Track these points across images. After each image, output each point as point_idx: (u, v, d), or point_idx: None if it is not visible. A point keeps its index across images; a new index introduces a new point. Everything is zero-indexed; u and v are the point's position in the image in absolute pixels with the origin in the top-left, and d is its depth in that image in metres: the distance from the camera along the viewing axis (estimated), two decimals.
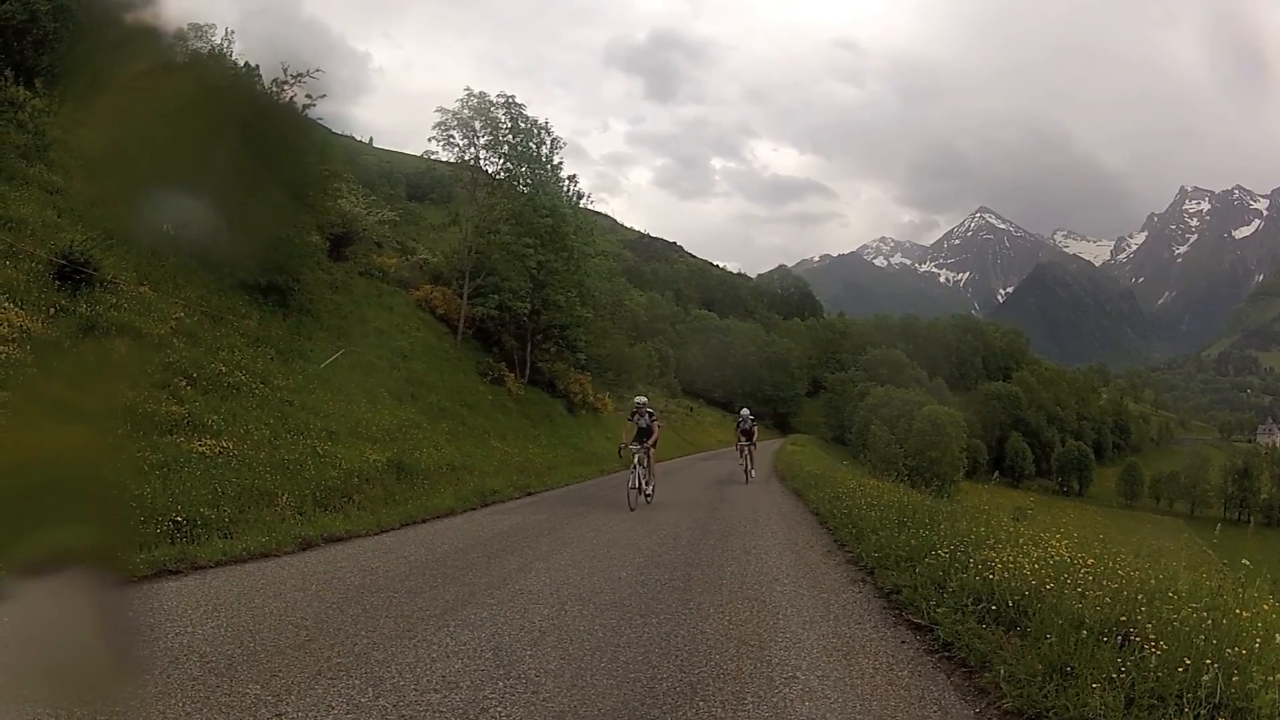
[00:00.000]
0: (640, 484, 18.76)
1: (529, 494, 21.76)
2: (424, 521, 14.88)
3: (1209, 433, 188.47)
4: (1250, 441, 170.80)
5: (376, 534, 13.02)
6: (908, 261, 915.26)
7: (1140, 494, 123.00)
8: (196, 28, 32.06)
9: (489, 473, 22.55)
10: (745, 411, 30.49)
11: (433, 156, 41.88)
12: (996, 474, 57.39)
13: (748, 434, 29.73)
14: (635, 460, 18.96)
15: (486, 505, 18.12)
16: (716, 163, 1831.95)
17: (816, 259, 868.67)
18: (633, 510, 17.61)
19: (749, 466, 29.39)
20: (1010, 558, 8.80)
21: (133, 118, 2.01)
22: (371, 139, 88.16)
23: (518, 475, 23.92)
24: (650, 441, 19.61)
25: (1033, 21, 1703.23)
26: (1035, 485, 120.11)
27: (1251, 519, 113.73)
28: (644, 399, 21.10)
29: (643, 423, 19.99)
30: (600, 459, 36.07)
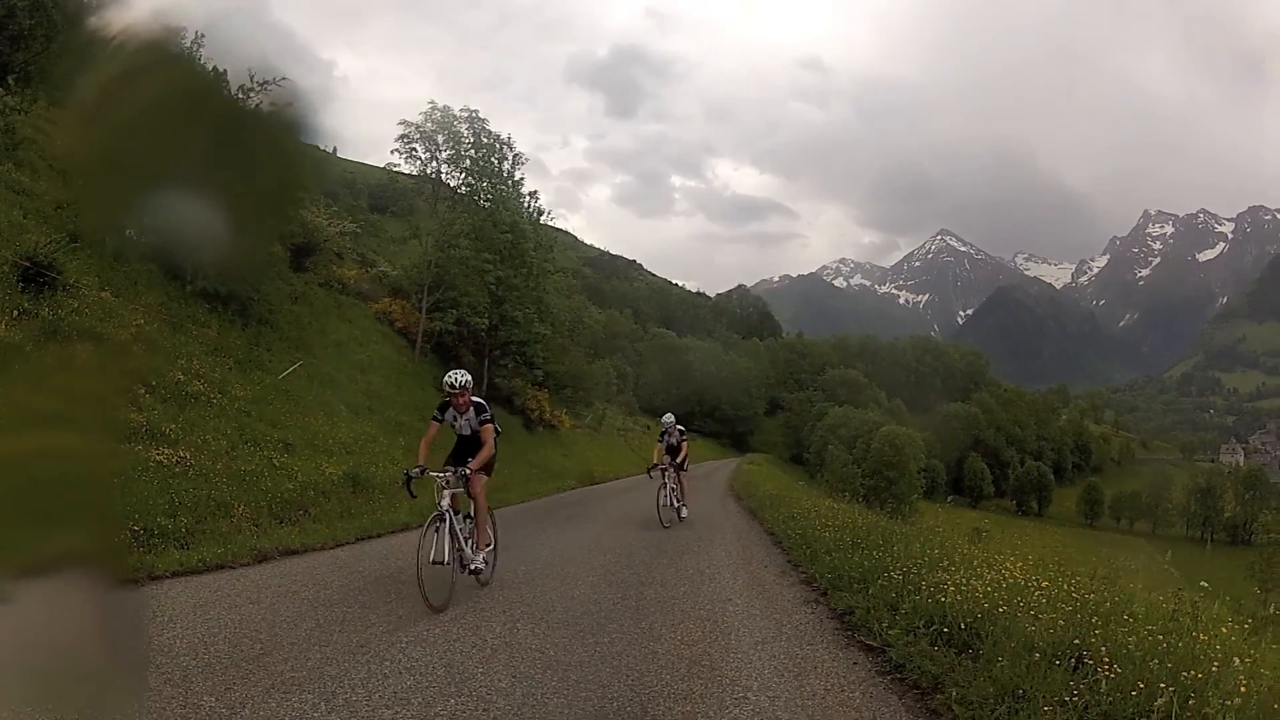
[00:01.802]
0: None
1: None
2: (379, 536, 14.97)
3: (1171, 453, 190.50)
4: (1213, 461, 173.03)
5: (332, 548, 13.13)
6: (867, 283, 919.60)
7: (1101, 514, 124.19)
8: (167, 29, 32.27)
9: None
10: (669, 418, 21.44)
11: (395, 168, 42.32)
12: (952, 497, 58.25)
13: (673, 451, 20.35)
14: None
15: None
16: (677, 180, 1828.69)
17: (776, 279, 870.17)
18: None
19: (674, 500, 19.65)
20: (963, 580, 8.96)
21: (107, 119, 2.04)
22: (335, 148, 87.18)
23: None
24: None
25: (998, 40, 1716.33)
26: (994, 505, 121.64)
27: (1212, 538, 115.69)
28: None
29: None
30: (557, 476, 36.36)
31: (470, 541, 10.92)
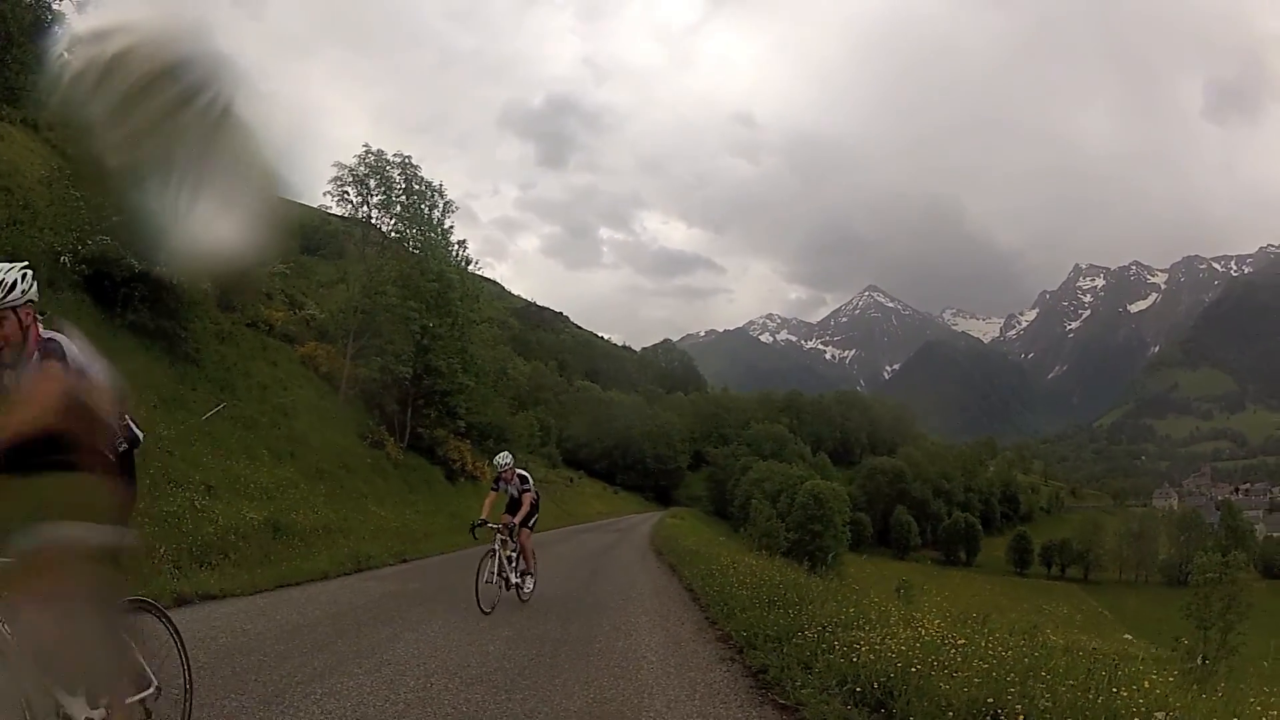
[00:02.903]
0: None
1: (405, 561, 21.79)
2: (298, 584, 14.94)
3: (1102, 500, 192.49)
4: (1146, 506, 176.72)
5: (251, 594, 13.06)
6: (794, 338, 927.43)
7: (1031, 562, 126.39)
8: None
9: (365, 538, 22.57)
10: (505, 459, 15.83)
11: (327, 210, 42.66)
12: (866, 555, 59.05)
13: (512, 505, 15.56)
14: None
15: (361, 571, 18.01)
16: (605, 233, 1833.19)
17: (702, 334, 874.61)
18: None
19: (510, 571, 14.68)
20: (878, 639, 9.06)
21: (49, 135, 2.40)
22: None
23: (394, 542, 24.06)
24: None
25: (932, 98, 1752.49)
26: (922, 556, 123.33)
27: (1147, 580, 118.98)
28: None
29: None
30: None
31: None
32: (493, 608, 13.30)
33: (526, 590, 15.09)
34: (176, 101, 3.06)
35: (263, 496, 21.19)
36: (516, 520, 14.97)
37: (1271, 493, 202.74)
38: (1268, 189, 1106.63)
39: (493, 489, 15.78)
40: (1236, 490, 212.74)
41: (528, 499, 15.40)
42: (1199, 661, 44.73)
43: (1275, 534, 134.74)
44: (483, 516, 14.64)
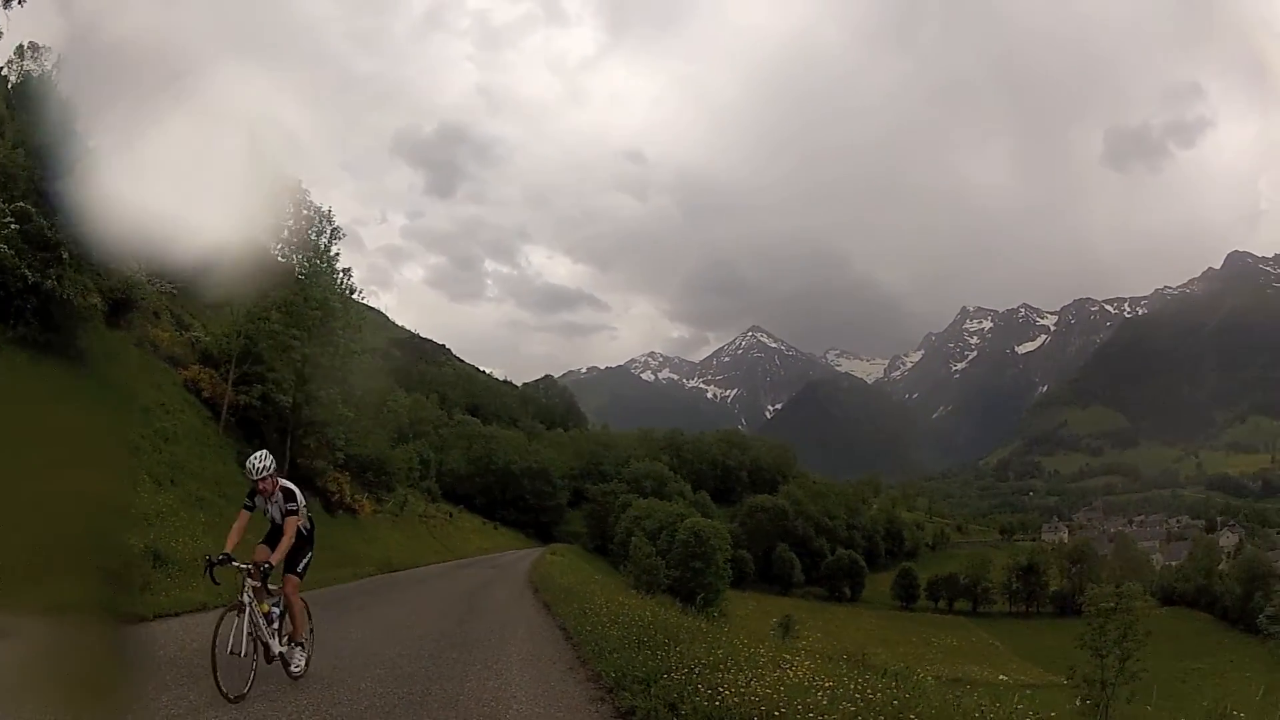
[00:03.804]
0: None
1: None
2: (177, 615, 14.84)
3: (989, 535, 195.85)
4: (1035, 540, 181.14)
5: (133, 623, 13.18)
6: (675, 377, 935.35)
7: (917, 596, 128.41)
8: (34, 47, 32.07)
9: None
10: (261, 461, 10.56)
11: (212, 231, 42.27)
12: (749, 592, 59.72)
13: (274, 534, 10.89)
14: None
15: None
16: (490, 265, 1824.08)
17: (584, 370, 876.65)
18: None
19: (266, 634, 10.18)
20: (744, 681, 9.40)
21: None
22: (165, 202, 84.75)
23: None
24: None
25: (822, 142, 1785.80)
26: (806, 592, 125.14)
27: (1039, 611, 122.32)
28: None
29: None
30: (356, 562, 36.46)
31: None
32: (247, 688, 9.39)
33: (297, 665, 10.84)
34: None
35: (143, 523, 20.88)
36: (274, 559, 10.26)
37: (1167, 524, 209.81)
38: (1165, 233, 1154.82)
39: (245, 506, 10.67)
40: (1130, 522, 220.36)
41: (292, 526, 10.58)
42: (1099, 688, 46.65)
43: (1173, 563, 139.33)
44: (225, 551, 9.84)
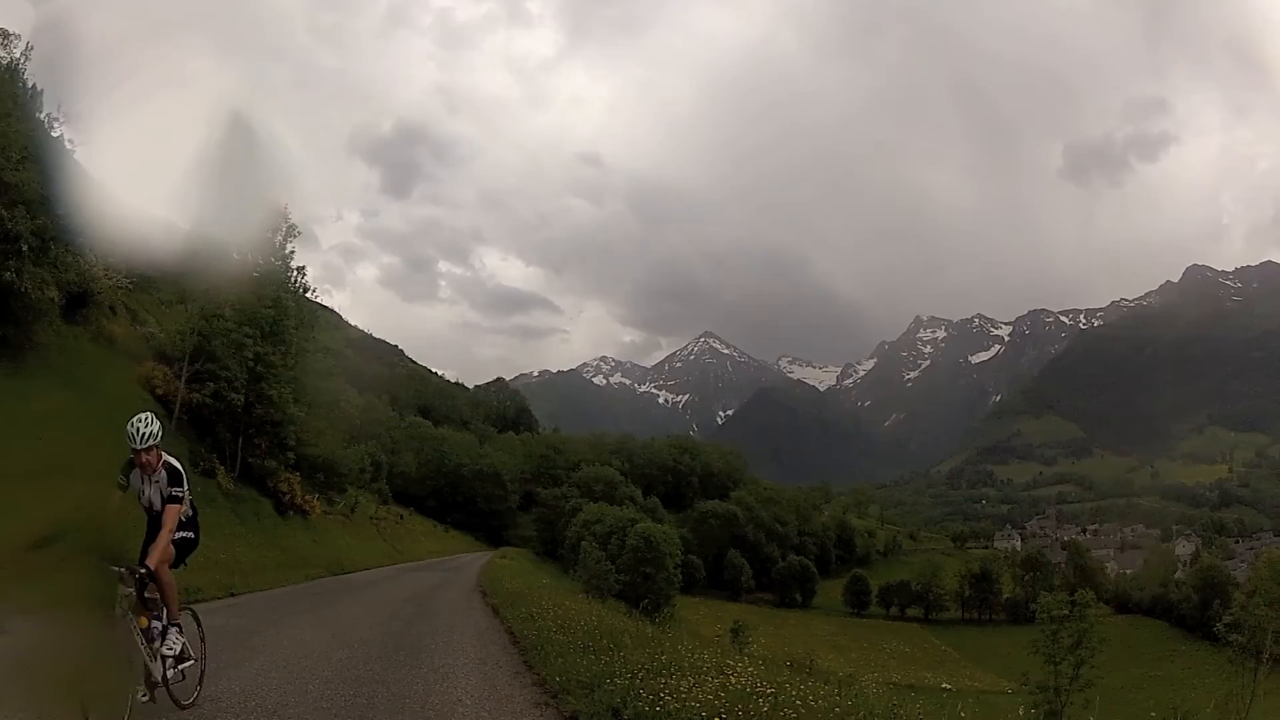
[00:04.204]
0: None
1: (233, 595, 21.91)
2: None
3: (941, 543, 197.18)
4: (987, 547, 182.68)
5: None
6: (627, 381, 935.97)
7: (868, 602, 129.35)
8: (4, 34, 31.68)
9: (193, 569, 22.08)
10: (143, 424, 8.55)
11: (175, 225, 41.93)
12: (699, 597, 59.83)
13: (153, 524, 8.83)
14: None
15: (189, 604, 17.58)
16: (444, 267, 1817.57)
17: (536, 374, 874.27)
18: None
19: (145, 652, 8.00)
20: (686, 686, 9.59)
21: None
22: (123, 193, 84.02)
23: (222, 574, 24.00)
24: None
25: (779, 148, 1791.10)
26: (757, 598, 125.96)
27: (991, 618, 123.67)
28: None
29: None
30: (307, 563, 36.44)
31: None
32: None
33: (187, 695, 8.98)
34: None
35: None
36: (152, 561, 8.17)
37: (1122, 533, 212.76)
38: (1125, 247, 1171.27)
39: (120, 483, 8.61)
40: (1084, 531, 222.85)
41: (173, 516, 8.60)
42: (1053, 694, 47.21)
43: (1128, 571, 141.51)
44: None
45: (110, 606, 7.06)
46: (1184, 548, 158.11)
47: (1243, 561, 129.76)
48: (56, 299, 28.53)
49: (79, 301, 33.19)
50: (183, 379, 38.37)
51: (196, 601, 16.38)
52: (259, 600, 21.86)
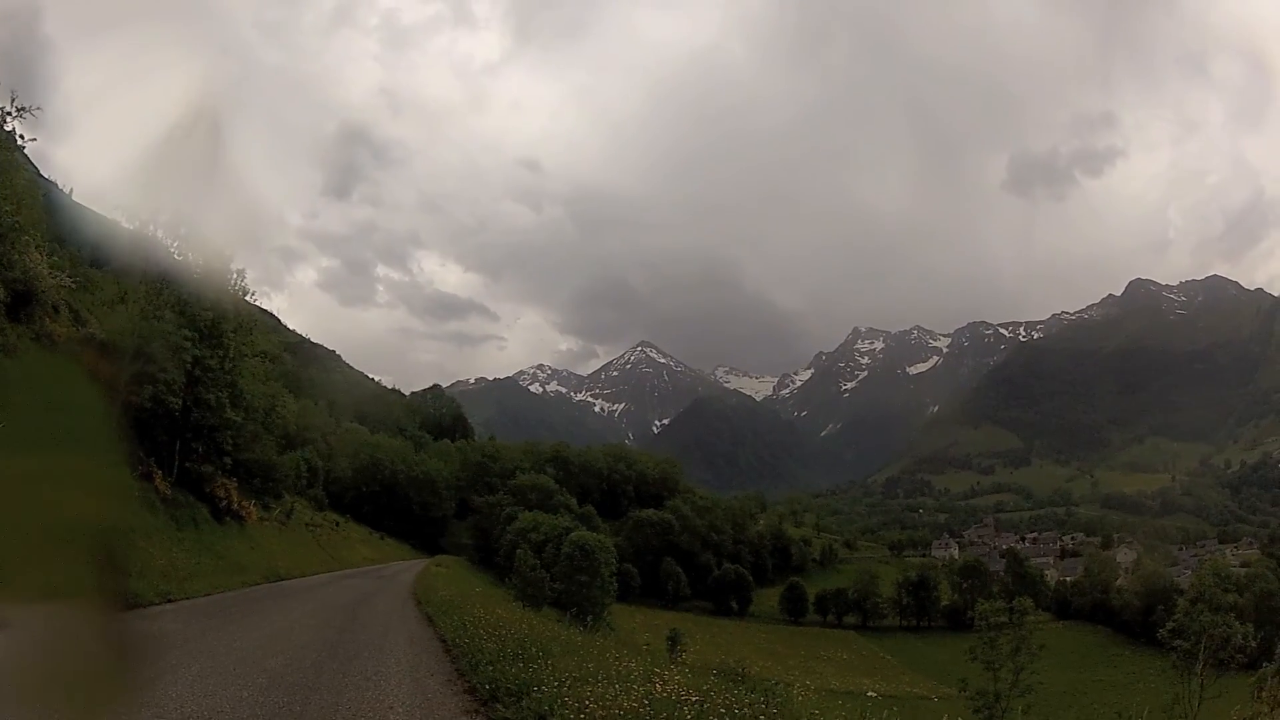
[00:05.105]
0: None
1: (170, 600, 21.84)
2: None
3: (878, 551, 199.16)
4: (925, 556, 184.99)
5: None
6: (564, 390, 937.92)
7: (805, 610, 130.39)
8: None
9: (130, 574, 21.95)
10: None
11: (120, 223, 41.43)
12: (634, 605, 60.06)
13: None
14: None
15: (127, 609, 17.86)
16: (381, 271, 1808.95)
17: (472, 381, 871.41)
18: None
19: None
20: (612, 694, 9.80)
21: None
22: (72, 190, 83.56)
23: (159, 580, 23.86)
24: None
25: (720, 160, 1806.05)
26: (692, 606, 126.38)
27: (930, 625, 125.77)
28: None
29: None
30: (244, 570, 36.26)
31: None
32: None
33: None
34: None
35: None
36: None
37: (1061, 541, 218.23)
38: (1067, 261, 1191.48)
39: None
40: (1023, 539, 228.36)
41: None
42: (993, 699, 47.94)
43: (1068, 578, 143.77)
44: None
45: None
46: (1125, 555, 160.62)
47: (1186, 568, 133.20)
48: (2, 297, 28.23)
49: (23, 301, 32.67)
50: (123, 381, 38.01)
51: (135, 606, 17.37)
52: (196, 606, 21.86)
